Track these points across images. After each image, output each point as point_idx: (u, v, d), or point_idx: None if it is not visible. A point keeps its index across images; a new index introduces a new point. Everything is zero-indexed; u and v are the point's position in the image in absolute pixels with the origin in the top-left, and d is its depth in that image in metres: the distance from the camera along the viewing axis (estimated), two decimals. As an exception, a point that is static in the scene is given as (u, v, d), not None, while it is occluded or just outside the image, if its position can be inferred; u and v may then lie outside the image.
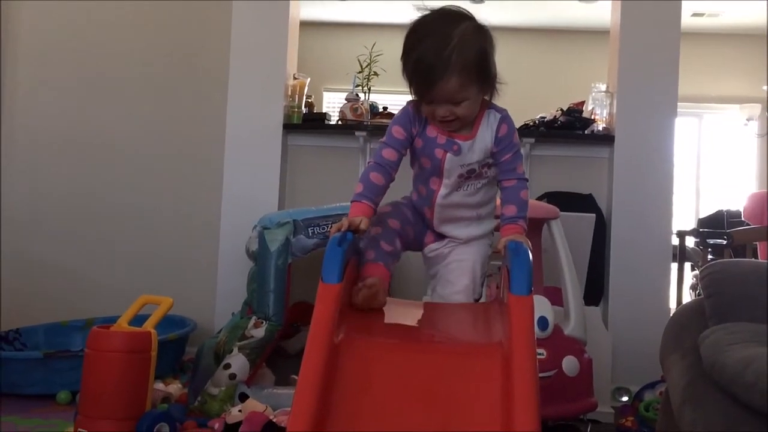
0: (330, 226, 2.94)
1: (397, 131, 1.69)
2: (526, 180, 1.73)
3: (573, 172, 3.72)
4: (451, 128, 1.67)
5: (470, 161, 1.69)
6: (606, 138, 3.64)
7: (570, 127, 3.71)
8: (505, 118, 1.70)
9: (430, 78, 1.59)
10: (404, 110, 1.72)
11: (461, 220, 1.77)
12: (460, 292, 1.72)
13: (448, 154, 1.68)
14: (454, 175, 1.71)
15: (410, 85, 1.64)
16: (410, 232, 1.77)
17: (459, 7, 1.67)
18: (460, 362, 1.34)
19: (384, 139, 1.70)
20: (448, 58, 1.56)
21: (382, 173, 1.65)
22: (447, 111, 1.63)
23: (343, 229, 1.50)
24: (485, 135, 1.69)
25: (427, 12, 1.68)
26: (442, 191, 1.73)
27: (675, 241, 3.82)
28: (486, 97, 1.69)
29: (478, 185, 1.73)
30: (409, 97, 1.71)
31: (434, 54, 1.58)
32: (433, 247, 1.81)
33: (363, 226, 1.55)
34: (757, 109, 7.15)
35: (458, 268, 1.75)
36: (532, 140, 3.63)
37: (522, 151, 3.79)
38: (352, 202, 1.62)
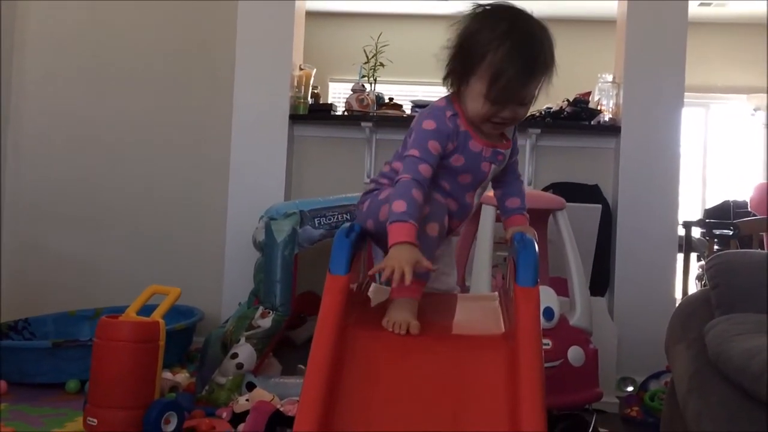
0: (336, 217, 2.95)
1: (433, 147, 1.48)
2: (520, 175, 1.74)
3: (579, 163, 3.72)
4: (500, 130, 1.54)
5: (501, 167, 1.62)
6: (612, 128, 3.64)
7: (576, 118, 3.70)
8: None
9: (525, 76, 1.43)
10: (439, 125, 1.50)
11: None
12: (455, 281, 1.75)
13: (493, 166, 1.57)
14: (486, 184, 1.63)
15: (490, 83, 1.43)
16: None
17: (508, 1, 1.52)
18: (466, 353, 1.35)
19: (417, 153, 1.47)
20: (545, 56, 1.45)
21: (422, 191, 1.44)
22: (512, 113, 1.48)
23: (408, 281, 1.33)
24: (511, 139, 1.62)
25: (480, 8, 1.50)
26: (475, 201, 1.62)
27: (681, 231, 3.82)
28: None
29: (485, 186, 1.66)
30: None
31: (532, 50, 1.44)
32: None
33: (426, 264, 1.38)
34: (764, 99, 7.11)
35: (451, 262, 1.78)
36: (538, 131, 3.63)
37: (528, 142, 3.82)
38: (395, 222, 1.39)
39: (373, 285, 1.70)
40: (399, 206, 1.40)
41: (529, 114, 3.62)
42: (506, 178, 1.69)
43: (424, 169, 1.45)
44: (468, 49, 1.47)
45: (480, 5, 1.50)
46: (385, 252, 1.62)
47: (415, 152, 1.47)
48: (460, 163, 1.53)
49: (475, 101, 1.47)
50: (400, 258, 1.35)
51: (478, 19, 1.48)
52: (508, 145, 1.59)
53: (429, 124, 1.50)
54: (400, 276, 1.33)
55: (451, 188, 1.56)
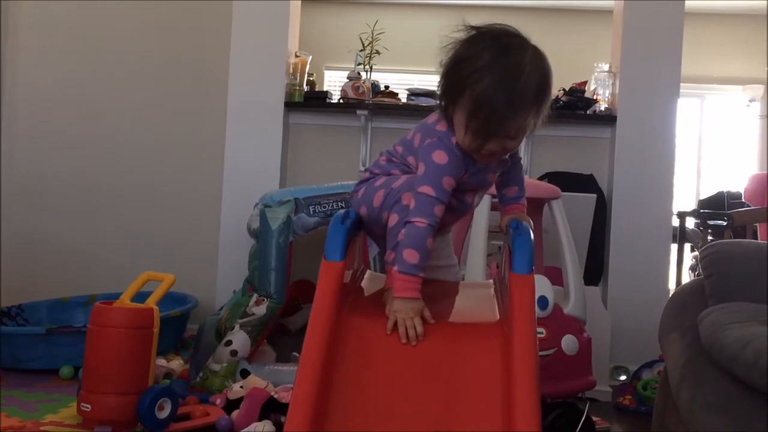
0: (331, 205, 2.95)
1: (448, 183, 1.43)
2: (520, 158, 1.72)
3: (574, 153, 3.72)
4: (491, 161, 1.50)
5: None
6: (608, 118, 3.64)
7: (572, 107, 3.70)
8: None
9: (508, 112, 1.38)
10: (451, 158, 1.43)
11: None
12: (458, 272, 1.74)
13: (498, 173, 1.59)
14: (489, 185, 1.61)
15: (470, 117, 1.39)
16: None
17: (508, 25, 1.45)
18: (461, 340, 1.35)
19: (432, 192, 1.40)
20: (528, 90, 1.39)
21: (433, 235, 1.41)
22: (500, 145, 1.43)
23: (420, 337, 1.33)
24: None
25: (474, 31, 1.44)
26: (476, 201, 1.61)
27: (675, 221, 3.82)
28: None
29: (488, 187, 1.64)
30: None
31: (514, 83, 1.37)
32: None
33: (427, 315, 1.37)
34: (759, 90, 7.12)
35: (450, 254, 1.77)
36: (534, 120, 3.62)
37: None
38: (406, 273, 1.37)
39: (368, 272, 1.70)
40: (411, 257, 1.37)
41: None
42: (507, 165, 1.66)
43: (439, 210, 1.41)
44: (452, 78, 1.43)
45: (473, 28, 1.44)
46: (376, 241, 1.62)
47: (429, 191, 1.40)
48: (467, 179, 1.50)
49: (459, 131, 1.43)
50: (407, 311, 1.34)
51: (465, 46, 1.43)
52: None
53: (441, 157, 1.43)
54: (412, 331, 1.33)
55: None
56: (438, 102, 1.49)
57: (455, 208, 1.54)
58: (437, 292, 1.60)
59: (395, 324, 1.34)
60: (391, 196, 1.47)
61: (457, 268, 1.77)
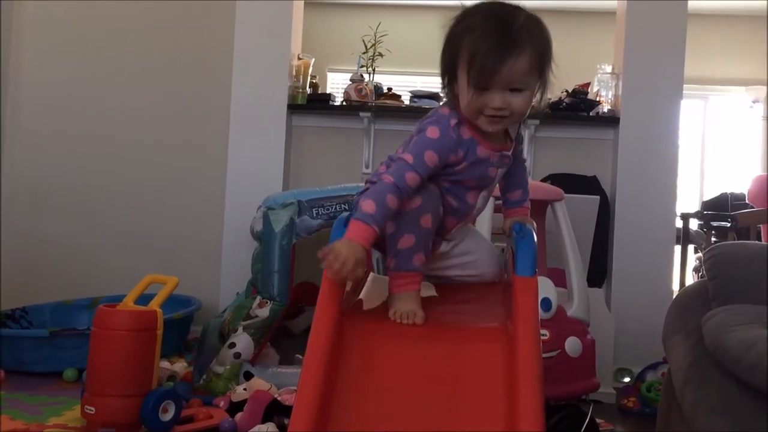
0: (335, 207, 2.95)
1: (430, 158, 1.41)
2: (525, 160, 1.71)
3: (577, 154, 3.72)
4: (498, 128, 1.46)
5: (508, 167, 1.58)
6: (611, 120, 3.63)
7: (575, 109, 3.70)
8: None
9: (501, 52, 1.36)
10: (443, 135, 1.44)
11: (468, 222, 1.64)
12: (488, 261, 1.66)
13: (500, 170, 1.53)
14: (493, 186, 1.57)
15: (469, 66, 1.39)
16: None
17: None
18: (464, 343, 1.35)
19: (411, 159, 1.40)
20: (520, 33, 1.38)
21: (398, 199, 1.38)
22: (503, 101, 1.40)
23: (344, 274, 1.31)
24: (515, 137, 1.58)
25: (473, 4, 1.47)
26: (479, 203, 1.56)
27: (679, 223, 3.82)
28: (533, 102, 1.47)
29: (491, 188, 1.60)
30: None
31: (506, 28, 1.38)
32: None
33: (360, 275, 1.36)
34: (763, 91, 7.10)
35: (477, 246, 1.65)
36: (537, 122, 3.63)
37: (526, 132, 3.80)
38: (358, 220, 1.35)
39: (371, 275, 1.70)
40: (368, 207, 1.36)
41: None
42: (512, 167, 1.62)
43: (411, 178, 1.39)
44: (449, 45, 1.44)
45: (466, 6, 1.47)
46: (379, 251, 1.60)
47: (408, 157, 1.41)
48: (467, 170, 1.48)
49: (463, 95, 1.43)
50: (344, 253, 1.31)
51: (459, 18, 1.45)
52: (510, 146, 1.55)
53: (433, 132, 1.44)
54: (331, 266, 1.31)
55: (451, 186, 1.51)
56: (442, 82, 1.50)
57: (456, 210, 1.52)
58: (441, 295, 1.60)
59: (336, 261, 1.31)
60: None
61: (485, 259, 1.64)
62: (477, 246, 1.64)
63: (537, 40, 1.41)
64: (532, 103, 1.45)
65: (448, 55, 1.46)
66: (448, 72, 1.47)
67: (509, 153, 1.55)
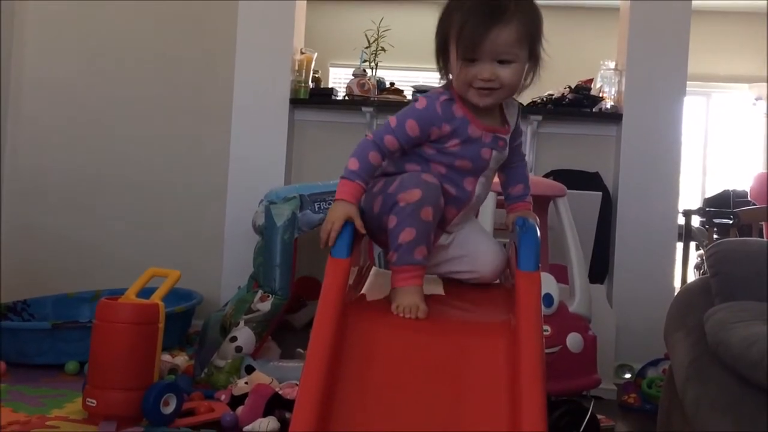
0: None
1: (411, 126, 1.47)
2: (524, 155, 1.71)
3: (580, 150, 3.72)
4: (488, 101, 1.46)
5: (505, 155, 1.57)
6: (614, 116, 3.63)
7: (578, 105, 3.69)
8: (518, 104, 1.60)
9: (487, 21, 1.39)
10: (428, 107, 1.48)
11: (469, 214, 1.62)
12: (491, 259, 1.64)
13: (494, 152, 1.52)
14: (490, 173, 1.57)
15: (457, 38, 1.42)
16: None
17: None
18: (467, 338, 1.35)
19: (393, 125, 1.48)
20: (507, 4, 1.40)
21: (380, 155, 1.48)
22: (491, 73, 1.42)
23: (331, 240, 1.40)
24: (512, 124, 1.58)
25: None
26: (477, 190, 1.55)
27: (681, 220, 3.82)
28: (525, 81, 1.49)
29: (489, 176, 1.59)
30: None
31: (488, 2, 1.41)
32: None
33: (358, 226, 1.42)
34: (765, 88, 7.10)
35: (477, 241, 1.64)
36: (540, 117, 3.62)
37: (529, 128, 3.79)
38: (344, 178, 1.45)
39: (373, 269, 1.70)
40: (352, 164, 1.46)
41: (530, 100, 3.69)
42: (510, 161, 1.63)
43: (389, 141, 1.48)
44: (441, 25, 1.48)
45: None
46: (380, 245, 1.60)
47: (392, 121, 1.49)
48: (458, 148, 1.49)
49: (454, 69, 1.46)
50: (330, 218, 1.42)
51: (450, 3, 1.49)
52: (508, 130, 1.56)
53: (420, 103, 1.49)
54: (327, 235, 1.41)
55: (448, 172, 1.51)
56: (437, 64, 1.53)
57: (455, 197, 1.52)
58: (447, 291, 1.60)
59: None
60: (389, 199, 1.45)
61: (487, 256, 1.61)
62: (476, 243, 1.62)
63: (525, 13, 1.44)
64: (524, 81, 1.49)
65: (440, 34, 1.49)
66: (442, 52, 1.50)
67: (505, 137, 1.54)
